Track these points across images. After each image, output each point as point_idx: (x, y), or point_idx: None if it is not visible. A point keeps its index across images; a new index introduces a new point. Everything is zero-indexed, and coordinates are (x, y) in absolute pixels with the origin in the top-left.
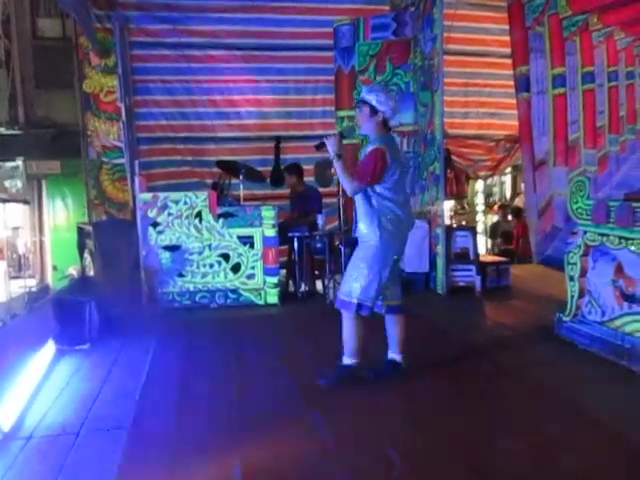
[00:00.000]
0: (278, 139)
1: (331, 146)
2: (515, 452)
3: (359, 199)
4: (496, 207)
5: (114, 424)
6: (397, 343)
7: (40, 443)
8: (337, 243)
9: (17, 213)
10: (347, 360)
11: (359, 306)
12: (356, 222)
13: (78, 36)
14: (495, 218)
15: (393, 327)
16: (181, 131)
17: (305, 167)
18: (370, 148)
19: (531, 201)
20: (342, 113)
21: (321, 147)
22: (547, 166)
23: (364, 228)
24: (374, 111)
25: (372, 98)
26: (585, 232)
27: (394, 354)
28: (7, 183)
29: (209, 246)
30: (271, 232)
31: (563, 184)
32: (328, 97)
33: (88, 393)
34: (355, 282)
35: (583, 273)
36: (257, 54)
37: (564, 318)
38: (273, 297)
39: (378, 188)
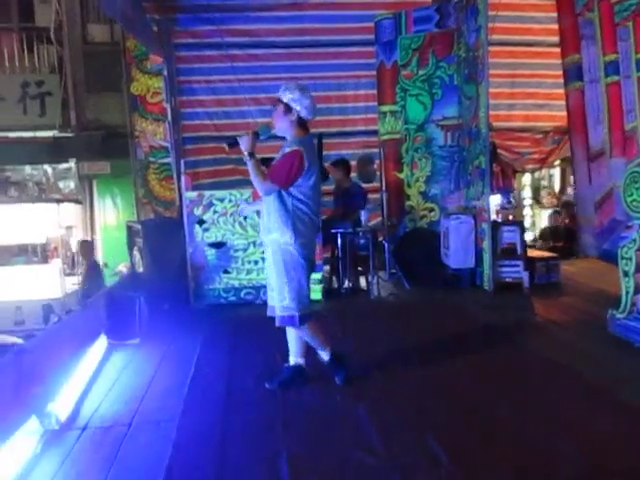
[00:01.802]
0: (320, 135)
1: (244, 145)
2: (564, 453)
3: (272, 203)
4: (546, 201)
5: (164, 417)
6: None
7: (94, 434)
8: (380, 239)
9: (70, 212)
10: (324, 355)
11: (301, 318)
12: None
13: (125, 40)
14: (547, 213)
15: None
16: (225, 130)
17: None
18: (287, 150)
19: (585, 194)
20: (385, 108)
21: (234, 146)
22: (605, 157)
23: (277, 230)
24: (288, 109)
25: (286, 95)
26: None
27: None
28: (61, 184)
29: (253, 243)
30: None
31: (622, 176)
32: (370, 92)
33: (139, 386)
34: (288, 294)
35: (639, 268)
36: (298, 51)
37: (617, 315)
38: (317, 293)
39: (294, 191)
